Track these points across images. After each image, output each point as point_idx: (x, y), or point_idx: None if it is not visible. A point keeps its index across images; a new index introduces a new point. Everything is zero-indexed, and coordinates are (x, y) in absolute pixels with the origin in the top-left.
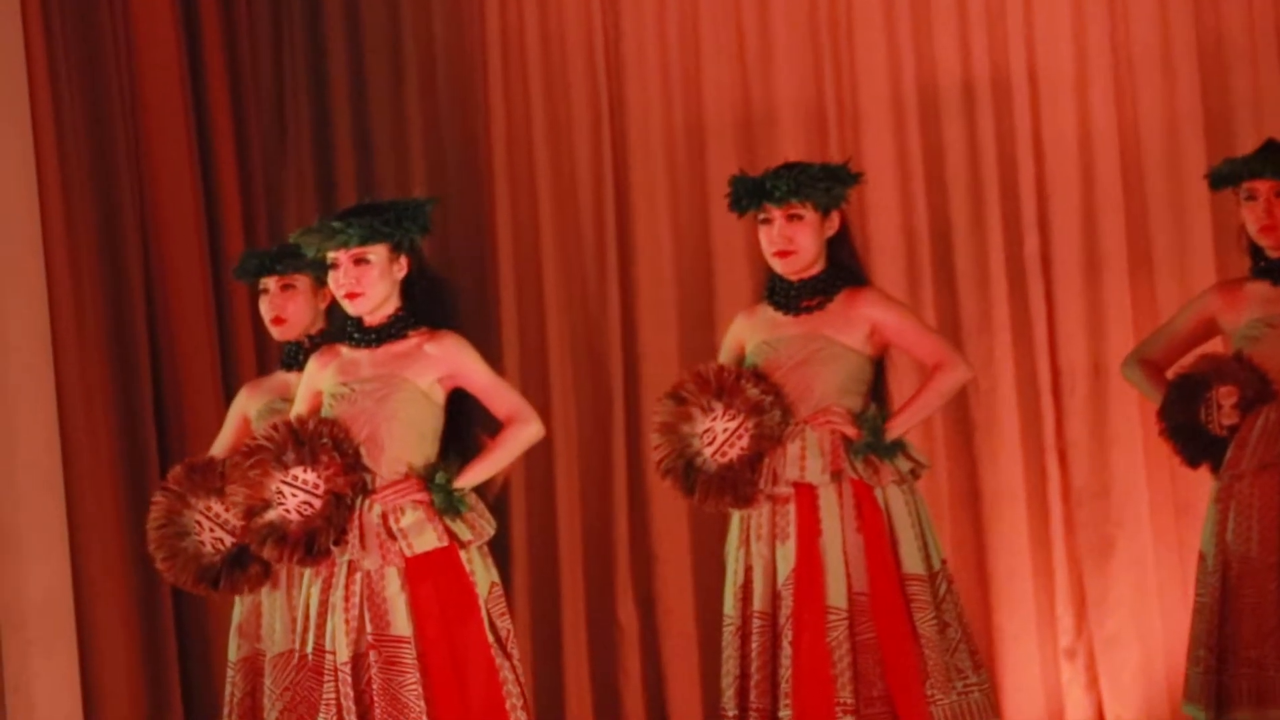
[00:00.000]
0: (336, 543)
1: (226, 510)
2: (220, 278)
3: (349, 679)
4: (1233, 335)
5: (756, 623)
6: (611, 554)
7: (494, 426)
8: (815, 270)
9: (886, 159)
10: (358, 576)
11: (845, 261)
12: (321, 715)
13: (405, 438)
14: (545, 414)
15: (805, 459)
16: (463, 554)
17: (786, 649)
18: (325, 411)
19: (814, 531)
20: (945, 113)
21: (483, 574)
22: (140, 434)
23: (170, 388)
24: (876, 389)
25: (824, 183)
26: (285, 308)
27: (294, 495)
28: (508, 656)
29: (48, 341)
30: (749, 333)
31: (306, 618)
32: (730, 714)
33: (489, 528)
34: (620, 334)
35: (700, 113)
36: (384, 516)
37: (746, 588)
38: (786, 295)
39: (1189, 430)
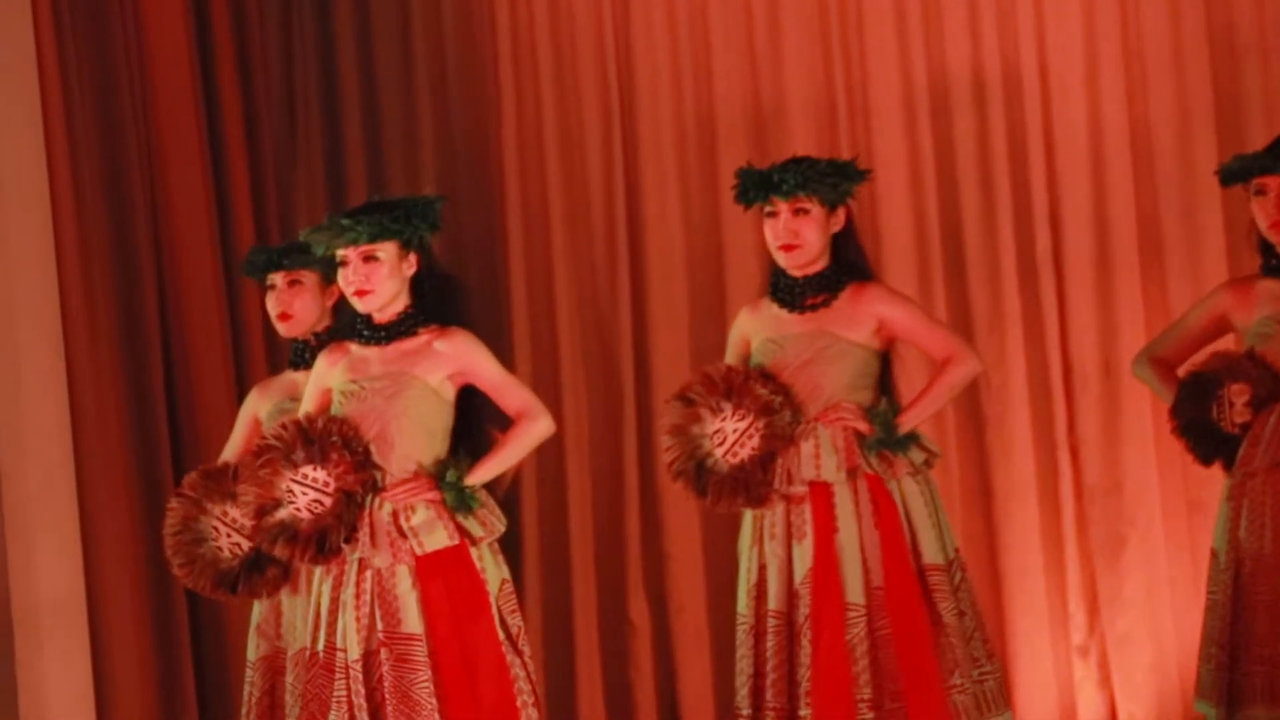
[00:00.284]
0: (347, 540)
1: (242, 515)
2: (232, 276)
3: (360, 676)
4: (1245, 333)
5: (772, 622)
6: (623, 552)
7: (505, 423)
8: (820, 266)
9: (897, 155)
10: (368, 574)
11: (851, 257)
12: (333, 713)
13: (415, 435)
14: (556, 412)
15: (820, 457)
16: (474, 551)
17: (806, 648)
18: (335, 409)
19: (830, 529)
20: (956, 108)
21: (494, 571)
22: (153, 431)
23: (182, 385)
24: (885, 381)
25: (831, 178)
26: (291, 304)
27: (304, 493)
28: (519, 654)
29: (59, 340)
30: (754, 329)
31: (318, 615)
32: (745, 713)
33: (500, 525)
34: (631, 331)
35: (711, 109)
36: (394, 515)
37: (760, 586)
38: (791, 292)
39: (1201, 428)
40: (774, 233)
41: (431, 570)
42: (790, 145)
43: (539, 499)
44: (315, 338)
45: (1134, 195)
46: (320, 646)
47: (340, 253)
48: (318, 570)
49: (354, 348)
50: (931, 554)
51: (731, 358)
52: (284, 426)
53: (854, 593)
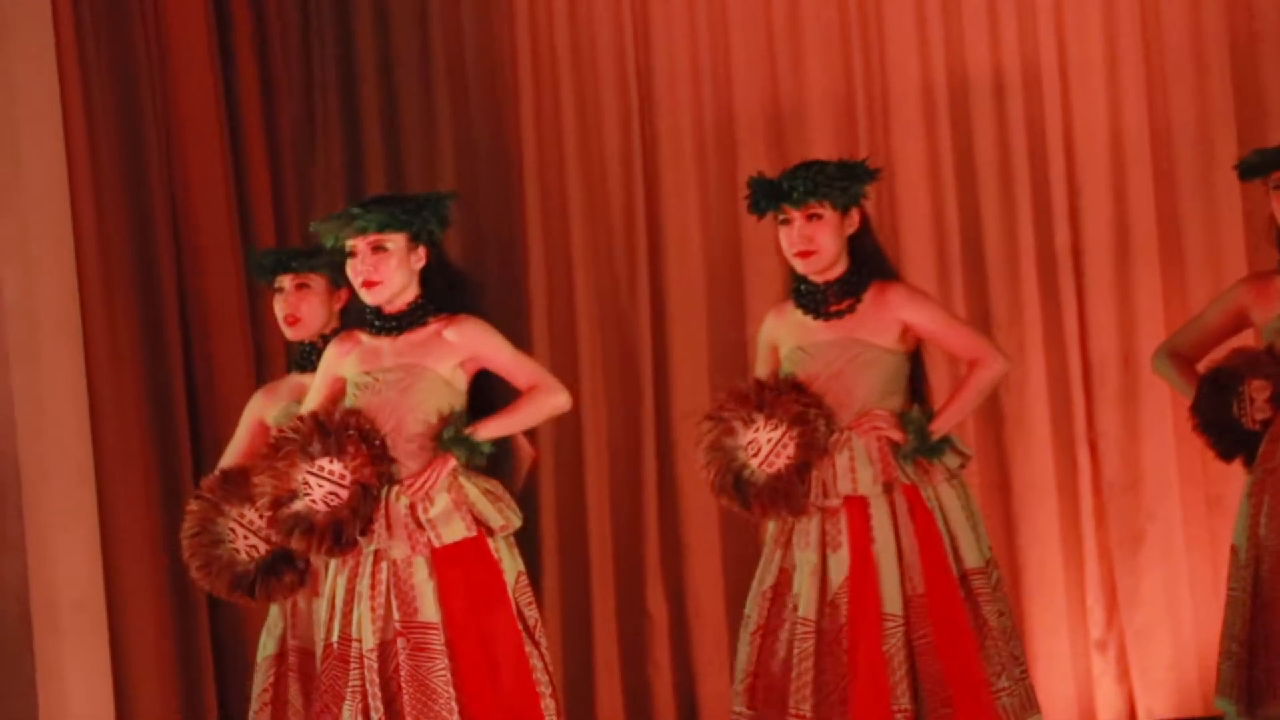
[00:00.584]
0: (363, 533)
1: (258, 507)
2: (253, 275)
3: (375, 665)
4: (1264, 328)
5: (801, 629)
6: (641, 544)
7: None
8: (840, 270)
9: (917, 153)
10: (384, 565)
11: (869, 256)
12: (347, 703)
13: (431, 426)
14: (575, 407)
15: (855, 470)
16: (490, 542)
17: (840, 658)
18: (349, 401)
19: (867, 540)
20: (976, 106)
21: (510, 563)
22: (172, 429)
23: (202, 384)
24: (916, 382)
25: (841, 181)
26: (299, 306)
27: (320, 486)
28: (535, 645)
29: (79, 337)
30: (782, 336)
31: (333, 607)
32: (743, 713)
33: (516, 519)
34: (650, 328)
35: (730, 108)
36: (411, 506)
37: (778, 590)
38: (814, 299)
39: (1222, 425)
40: (789, 240)
41: (449, 561)
42: (809, 143)
43: (557, 491)
44: (322, 340)
45: (1153, 191)
46: (335, 638)
47: (349, 243)
48: (332, 564)
49: (364, 338)
50: (972, 558)
51: (763, 366)
52: (301, 419)
53: (891, 604)
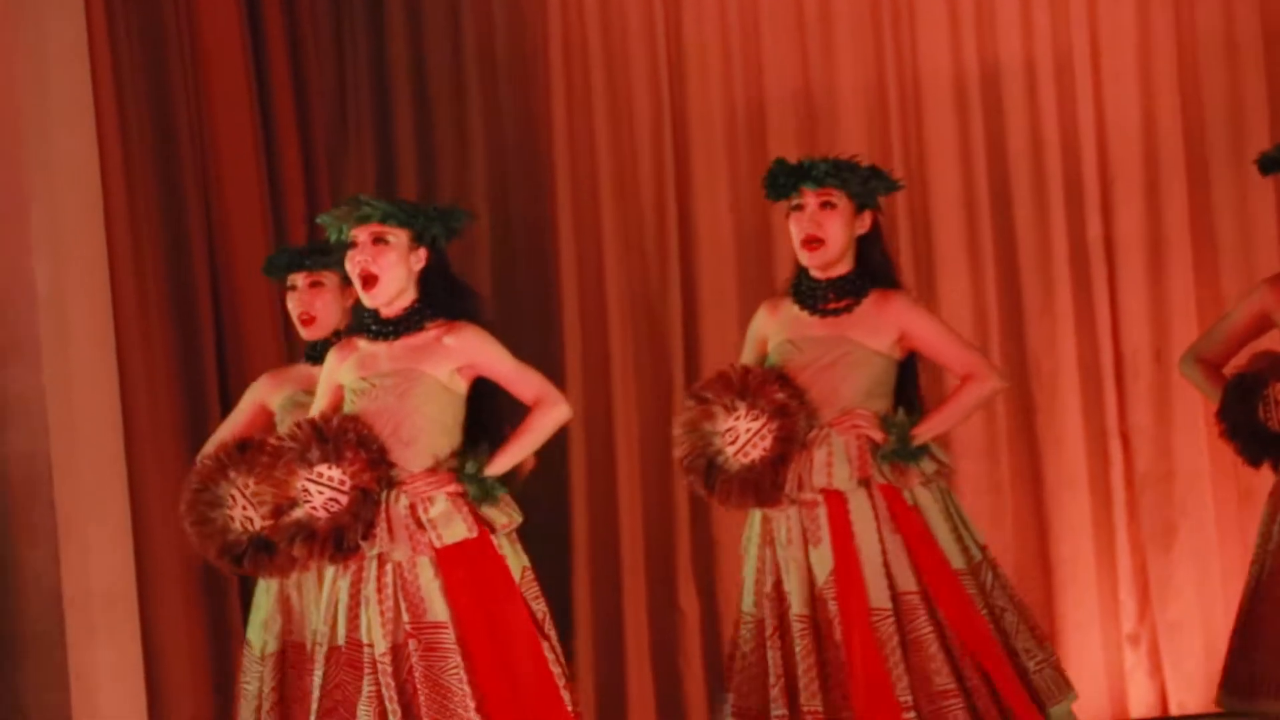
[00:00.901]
0: (364, 538)
1: (259, 515)
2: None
3: (389, 670)
4: None
5: (798, 625)
6: (672, 541)
7: (520, 412)
8: (843, 269)
9: (949, 143)
10: (389, 568)
11: (876, 264)
12: (362, 709)
13: (429, 431)
14: (606, 402)
15: (832, 465)
16: (494, 539)
17: (839, 650)
18: (347, 407)
19: (847, 534)
20: (1007, 96)
21: (514, 559)
22: (205, 421)
23: (235, 376)
24: (908, 389)
25: (861, 173)
26: (313, 304)
27: (320, 493)
28: (546, 637)
29: (111, 331)
30: (773, 329)
31: (335, 611)
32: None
33: (517, 516)
34: (681, 321)
35: (761, 98)
36: (411, 507)
37: (778, 588)
38: (813, 294)
39: (1249, 429)
40: (799, 225)
41: (453, 561)
42: (841, 133)
43: (589, 489)
44: (336, 336)
45: (1186, 183)
46: (341, 641)
47: (351, 234)
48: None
49: (362, 344)
50: (955, 561)
51: (748, 356)
52: (299, 426)
53: (878, 598)
